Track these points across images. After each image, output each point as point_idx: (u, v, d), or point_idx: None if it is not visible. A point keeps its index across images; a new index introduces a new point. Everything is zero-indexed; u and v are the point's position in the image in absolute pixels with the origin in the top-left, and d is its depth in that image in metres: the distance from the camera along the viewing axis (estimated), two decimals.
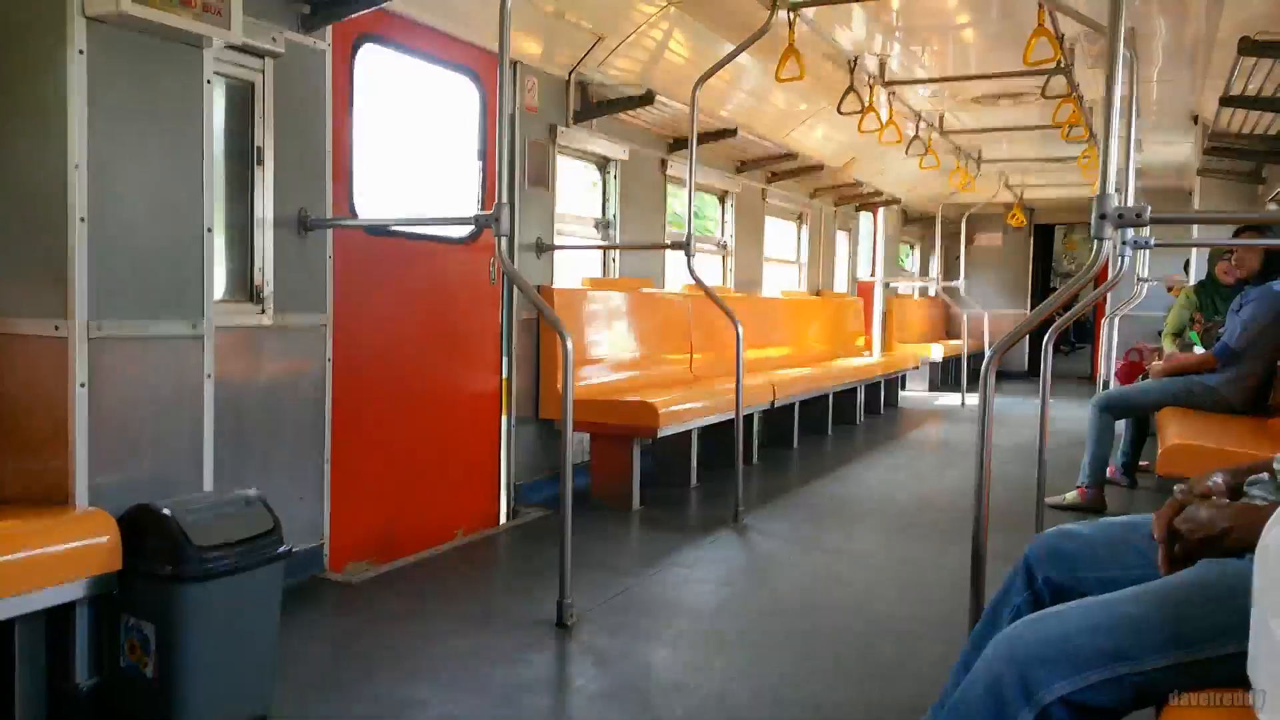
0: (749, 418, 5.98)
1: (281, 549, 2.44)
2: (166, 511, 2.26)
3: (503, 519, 4.70)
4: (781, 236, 8.82)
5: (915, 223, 12.56)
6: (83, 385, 2.30)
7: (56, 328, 2.30)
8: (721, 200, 7.36)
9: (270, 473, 3.36)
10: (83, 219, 2.28)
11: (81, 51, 2.26)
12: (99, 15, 2.26)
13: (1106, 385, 6.55)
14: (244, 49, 3.16)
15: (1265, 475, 1.67)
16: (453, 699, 2.62)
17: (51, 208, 2.29)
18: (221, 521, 2.33)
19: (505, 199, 3.02)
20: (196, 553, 2.23)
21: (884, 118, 6.25)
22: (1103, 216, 2.07)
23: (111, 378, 2.36)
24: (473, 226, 4.26)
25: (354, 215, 3.81)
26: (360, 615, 3.27)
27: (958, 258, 10.86)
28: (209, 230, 2.58)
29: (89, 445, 2.31)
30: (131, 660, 2.28)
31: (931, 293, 12.73)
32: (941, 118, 8.03)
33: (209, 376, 2.60)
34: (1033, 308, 12.62)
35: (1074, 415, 7.75)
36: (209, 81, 2.56)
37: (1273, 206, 7.36)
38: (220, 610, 2.29)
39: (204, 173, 2.56)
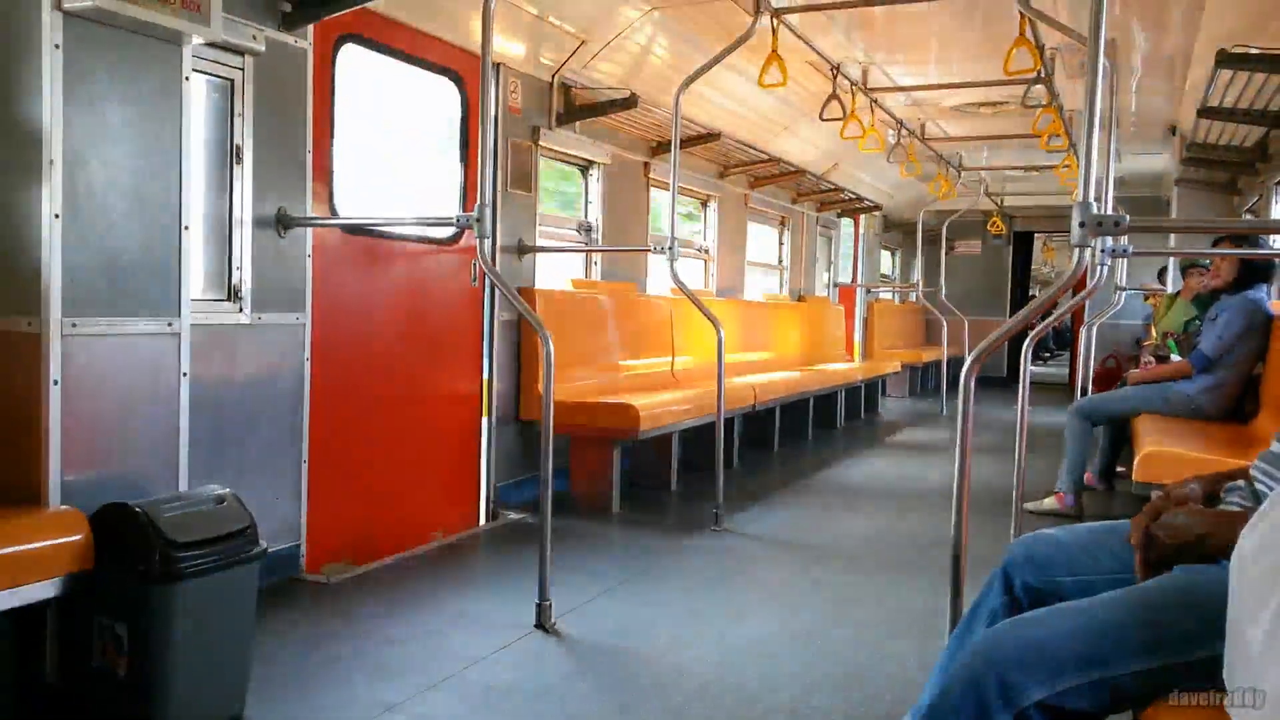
0: (730, 421, 5.97)
1: (257, 549, 2.42)
2: (140, 510, 2.23)
3: (482, 520, 4.68)
4: (763, 241, 8.84)
5: (896, 229, 12.63)
6: (56, 383, 2.27)
7: (30, 324, 2.27)
8: (704, 205, 7.37)
9: (247, 472, 3.33)
10: (57, 215, 2.25)
11: (57, 46, 2.24)
12: (75, 10, 2.24)
13: (1085, 392, 6.59)
14: (224, 46, 3.14)
15: (1241, 482, 1.69)
16: (430, 701, 2.60)
17: (26, 203, 2.26)
18: (196, 520, 2.31)
19: (487, 200, 3.01)
20: (170, 552, 2.21)
21: (865, 125, 6.28)
22: (1082, 224, 2.08)
23: (86, 375, 2.33)
24: (454, 227, 4.25)
25: (334, 215, 3.79)
26: (337, 616, 3.24)
27: (938, 264, 10.92)
28: (186, 228, 2.56)
29: (62, 443, 2.29)
30: (104, 660, 2.26)
31: (912, 299, 12.80)
32: (923, 125, 8.08)
33: (185, 375, 2.57)
34: (1012, 315, 12.69)
35: (1052, 421, 7.80)
36: (188, 78, 2.55)
37: (1248, 217, 7.44)
38: (194, 610, 2.27)
39: (182, 170, 2.54)
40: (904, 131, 7.53)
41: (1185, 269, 6.25)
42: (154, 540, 2.20)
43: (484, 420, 4.71)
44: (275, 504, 3.49)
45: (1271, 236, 5.62)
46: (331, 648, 2.97)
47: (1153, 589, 1.48)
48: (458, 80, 4.44)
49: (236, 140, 3.31)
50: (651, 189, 6.29)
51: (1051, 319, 3.34)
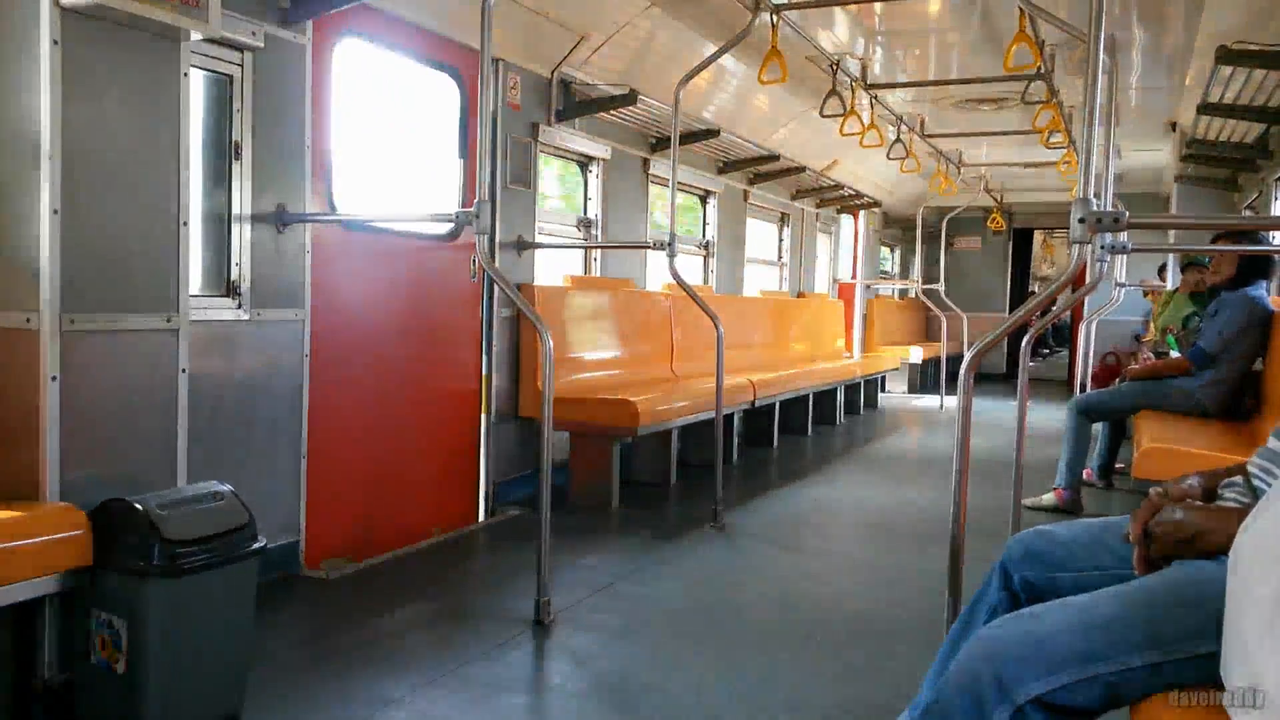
0: (729, 417, 5.98)
1: (256, 545, 2.42)
2: (139, 506, 2.23)
3: (481, 517, 4.68)
4: (763, 237, 8.84)
5: (896, 225, 12.63)
6: (54, 379, 2.27)
7: (28, 320, 2.27)
8: (704, 201, 7.36)
9: (246, 468, 3.33)
10: (55, 211, 2.25)
11: (56, 42, 2.24)
12: (73, 5, 2.24)
13: (1083, 388, 6.60)
14: (223, 42, 3.13)
15: (1239, 478, 1.69)
16: (429, 697, 2.60)
17: (23, 199, 2.26)
18: (195, 516, 2.31)
19: (486, 196, 3.01)
20: (169, 548, 2.21)
21: (865, 121, 6.27)
22: (1082, 221, 2.08)
23: (84, 371, 2.33)
24: (453, 223, 4.24)
25: (333, 210, 3.78)
26: (335, 613, 3.25)
27: (937, 261, 10.92)
28: (185, 224, 2.56)
29: (60, 439, 2.29)
30: (102, 656, 2.26)
31: (911, 295, 12.80)
32: (922, 121, 8.07)
33: (184, 371, 2.57)
34: (1011, 311, 12.73)
35: (1051, 418, 7.81)
36: (186, 74, 2.54)
37: (1248, 213, 7.44)
38: (193, 606, 2.27)
39: (180, 166, 2.53)
40: (903, 128, 7.52)
41: (1185, 267, 6.26)
42: (153, 537, 2.20)
43: (483, 416, 4.71)
44: (274, 500, 3.49)
45: (1271, 233, 5.61)
46: (330, 644, 2.97)
47: (1151, 585, 1.48)
48: (457, 76, 4.43)
49: (235, 136, 3.30)
50: (651, 185, 6.29)
51: (1051, 315, 3.35)
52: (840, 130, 6.16)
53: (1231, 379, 4.65)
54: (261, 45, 3.30)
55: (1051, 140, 6.83)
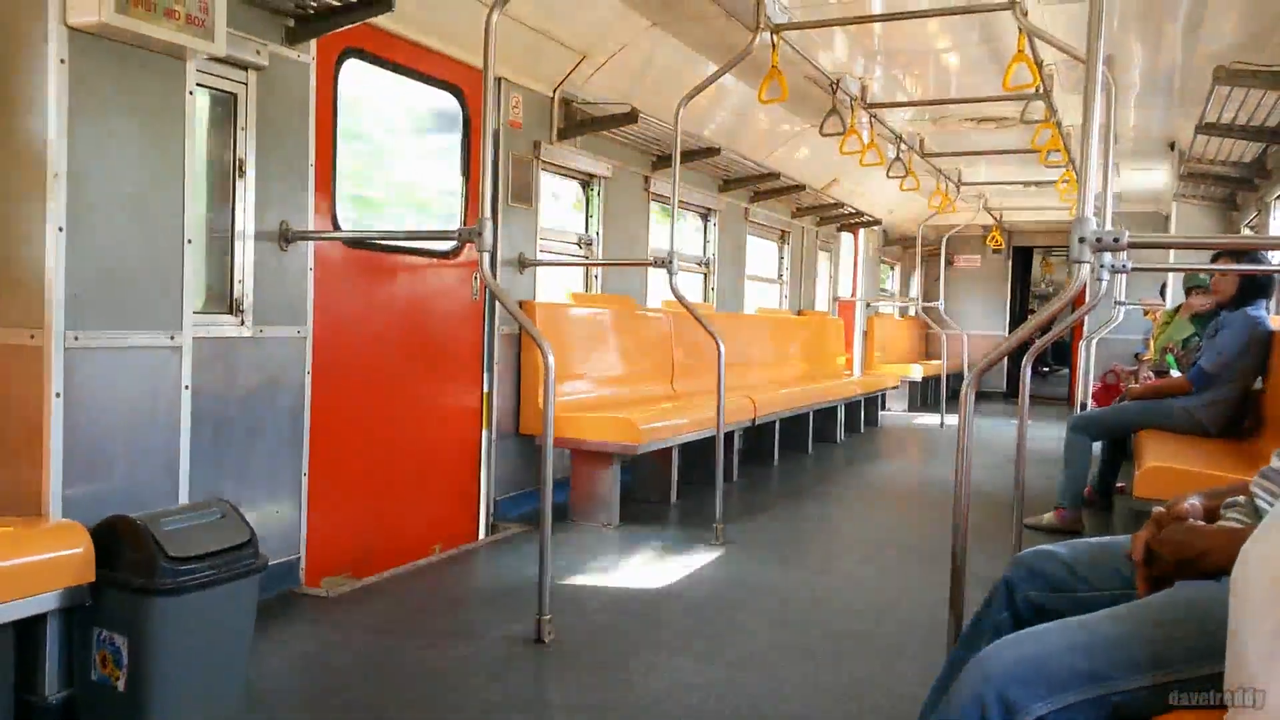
0: (730, 435, 5.97)
1: (257, 562, 2.42)
2: (141, 523, 2.23)
3: (482, 534, 4.67)
4: (764, 255, 8.86)
5: (896, 244, 12.66)
6: (58, 395, 2.28)
7: (32, 336, 2.28)
8: (704, 218, 7.38)
9: (247, 485, 3.33)
10: (61, 228, 2.26)
11: (63, 61, 2.25)
12: (81, 25, 2.26)
13: (1084, 407, 6.59)
14: (227, 61, 3.15)
15: (1242, 498, 1.69)
16: (429, 716, 2.59)
17: (29, 217, 2.27)
18: (197, 533, 2.31)
19: (488, 214, 3.02)
20: (171, 565, 2.21)
21: (865, 139, 6.30)
22: (1081, 240, 2.09)
23: (87, 388, 2.34)
24: (455, 241, 4.26)
25: (336, 228, 3.80)
26: (336, 630, 3.24)
27: (937, 279, 10.93)
28: (189, 241, 2.57)
29: (63, 456, 2.29)
30: (103, 673, 2.25)
31: (911, 313, 12.81)
32: (922, 140, 8.10)
33: (186, 387, 2.58)
34: (1011, 329, 12.74)
35: (1052, 436, 7.80)
36: (191, 93, 2.56)
37: (1247, 232, 7.46)
38: (194, 623, 2.27)
39: (184, 184, 2.55)
40: (903, 146, 7.55)
41: (1189, 289, 6.27)
42: (155, 553, 2.21)
43: (484, 433, 4.71)
44: (275, 517, 3.49)
45: (1271, 252, 5.63)
46: (330, 661, 2.96)
47: (1154, 605, 1.48)
48: (459, 95, 4.46)
49: (239, 154, 3.32)
50: (652, 203, 6.31)
51: (1051, 334, 3.34)
52: (840, 149, 6.19)
53: (1232, 398, 4.66)
54: (266, 64, 3.32)
55: (1051, 159, 6.86)
